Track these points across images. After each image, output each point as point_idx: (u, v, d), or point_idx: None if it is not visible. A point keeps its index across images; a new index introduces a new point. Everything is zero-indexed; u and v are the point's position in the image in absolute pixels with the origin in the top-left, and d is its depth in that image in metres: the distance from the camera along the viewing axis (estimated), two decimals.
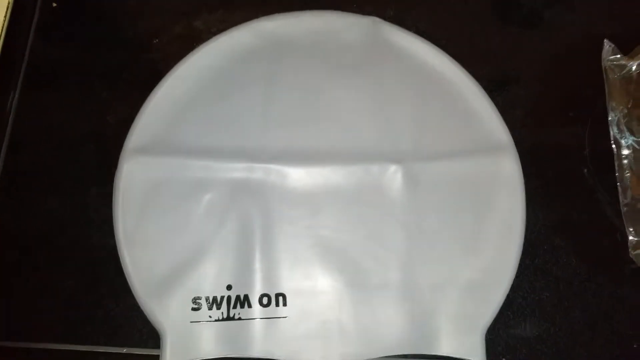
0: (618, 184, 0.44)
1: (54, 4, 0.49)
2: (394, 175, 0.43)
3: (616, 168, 0.44)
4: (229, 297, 0.40)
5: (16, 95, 0.46)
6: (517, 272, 0.41)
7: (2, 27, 0.46)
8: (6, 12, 0.47)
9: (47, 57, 0.48)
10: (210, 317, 0.40)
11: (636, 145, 0.45)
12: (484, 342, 0.40)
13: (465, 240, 0.42)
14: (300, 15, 0.47)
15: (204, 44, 0.46)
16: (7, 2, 0.47)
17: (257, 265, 0.41)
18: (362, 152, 0.44)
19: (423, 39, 0.47)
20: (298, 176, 0.43)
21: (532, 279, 0.42)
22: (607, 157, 0.45)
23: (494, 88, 0.46)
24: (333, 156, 0.43)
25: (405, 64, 0.46)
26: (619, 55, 0.46)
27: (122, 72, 0.47)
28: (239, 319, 0.40)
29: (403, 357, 0.40)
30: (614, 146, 0.45)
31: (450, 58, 0.46)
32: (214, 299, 0.40)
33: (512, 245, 0.42)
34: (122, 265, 0.40)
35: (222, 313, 0.40)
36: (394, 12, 0.48)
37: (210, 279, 0.40)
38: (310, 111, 0.45)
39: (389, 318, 0.40)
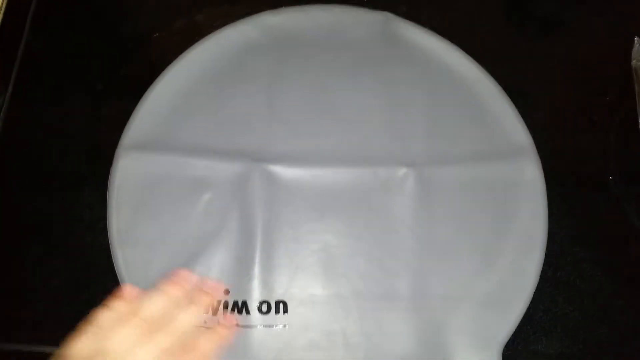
0: None
1: None
2: (404, 179, 0.41)
3: None
4: (226, 302, 0.38)
5: (10, 89, 0.45)
6: (538, 285, 0.40)
7: None
8: (3, 1, 0.46)
9: (43, 49, 0.47)
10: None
11: None
12: (500, 358, 0.38)
13: (481, 249, 0.40)
14: (307, 10, 0.46)
15: (206, 37, 0.45)
16: None
17: (257, 270, 0.40)
18: (370, 154, 0.42)
19: (438, 35, 0.45)
20: (302, 178, 0.42)
21: (554, 293, 0.41)
22: (634, 163, 0.43)
23: (513, 90, 0.44)
24: (339, 157, 0.42)
25: (418, 61, 0.45)
26: None
27: (120, 66, 0.46)
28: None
29: None
30: None
31: (467, 56, 0.45)
32: None
33: (532, 256, 0.40)
34: (115, 265, 0.39)
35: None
36: (406, 9, 0.47)
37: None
38: (316, 110, 0.43)
39: (397, 331, 0.39)
